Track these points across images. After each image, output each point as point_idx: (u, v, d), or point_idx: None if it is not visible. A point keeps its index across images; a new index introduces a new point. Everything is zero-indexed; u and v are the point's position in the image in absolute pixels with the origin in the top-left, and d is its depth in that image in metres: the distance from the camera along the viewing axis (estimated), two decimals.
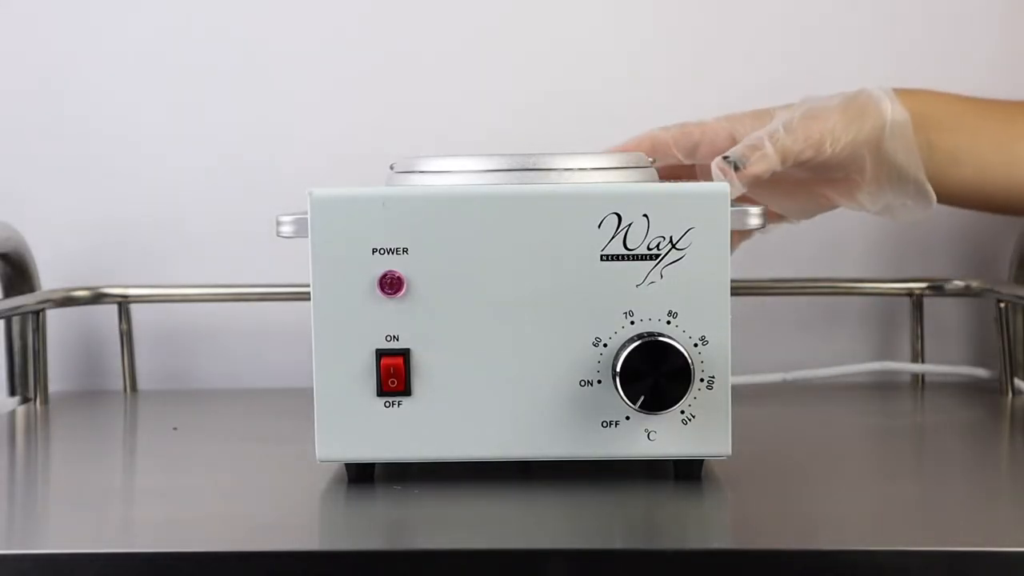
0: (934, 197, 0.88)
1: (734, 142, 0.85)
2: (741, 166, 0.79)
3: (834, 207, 0.90)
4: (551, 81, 1.08)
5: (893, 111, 0.86)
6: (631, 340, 0.70)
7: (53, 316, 1.08)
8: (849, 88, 0.88)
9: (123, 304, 1.08)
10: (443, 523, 0.67)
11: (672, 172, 0.89)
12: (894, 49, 1.08)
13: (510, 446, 0.71)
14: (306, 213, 0.71)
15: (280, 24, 1.09)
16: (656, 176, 0.77)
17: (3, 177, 1.10)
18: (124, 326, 1.08)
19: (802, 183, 0.88)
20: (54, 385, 1.08)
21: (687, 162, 0.88)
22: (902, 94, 0.88)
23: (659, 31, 1.09)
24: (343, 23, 1.09)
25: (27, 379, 1.05)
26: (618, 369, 0.69)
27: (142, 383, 1.10)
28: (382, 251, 0.70)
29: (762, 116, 0.87)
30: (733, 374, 0.71)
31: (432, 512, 0.69)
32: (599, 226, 0.70)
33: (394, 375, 0.70)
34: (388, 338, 0.71)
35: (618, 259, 0.70)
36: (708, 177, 0.82)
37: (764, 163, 0.81)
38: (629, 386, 0.69)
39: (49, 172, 1.10)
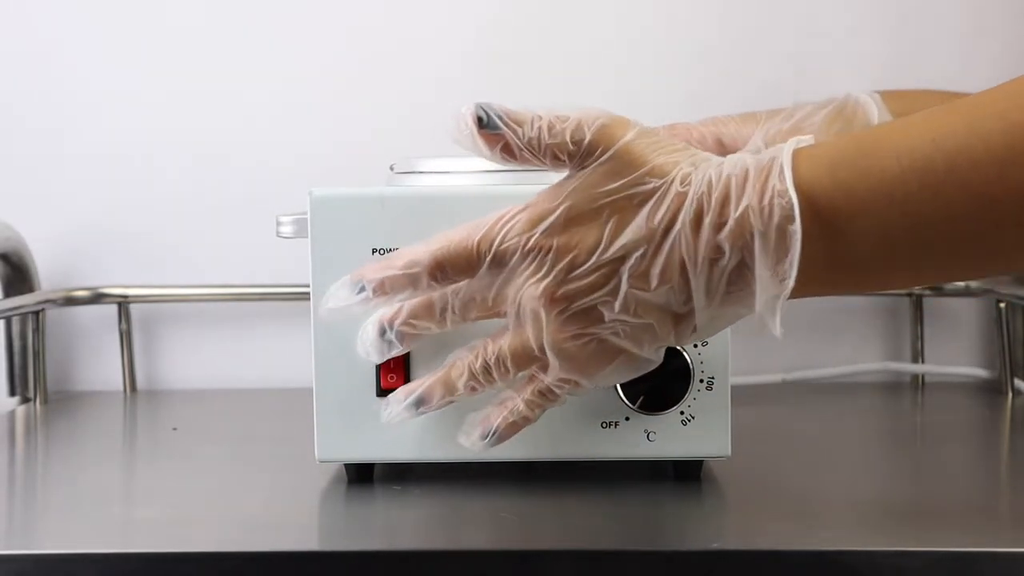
0: None
1: (720, 145, 0.86)
2: None
3: None
4: (551, 81, 1.08)
5: (880, 118, 0.86)
6: None
7: (53, 316, 1.08)
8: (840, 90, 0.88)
9: (123, 304, 1.08)
10: (443, 523, 0.67)
11: None
12: (894, 46, 1.08)
13: (509, 447, 0.71)
14: (306, 213, 0.71)
15: (280, 23, 1.09)
16: None
17: (2, 178, 1.10)
18: (124, 326, 1.08)
19: None
20: (54, 385, 1.08)
21: None
22: (892, 96, 0.88)
23: (657, 33, 1.09)
24: (343, 22, 1.09)
25: (27, 379, 1.05)
26: None
27: (141, 383, 1.10)
28: (382, 251, 0.70)
29: (749, 119, 0.87)
30: (734, 375, 0.71)
31: (432, 512, 0.69)
32: None
33: (394, 375, 0.70)
34: None
35: None
36: None
37: None
38: (629, 387, 0.69)
39: (47, 172, 1.09)
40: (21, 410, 1.02)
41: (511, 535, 0.65)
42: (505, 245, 0.63)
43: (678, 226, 0.61)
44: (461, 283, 0.65)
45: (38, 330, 1.04)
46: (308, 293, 0.70)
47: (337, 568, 0.62)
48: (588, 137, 0.62)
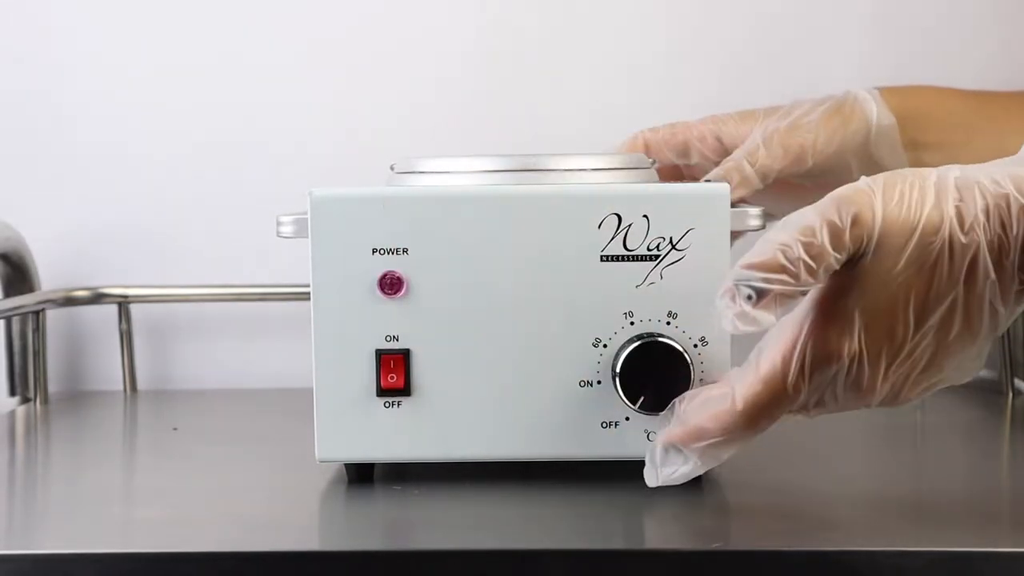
0: None
1: (720, 143, 0.86)
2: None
3: None
4: (551, 81, 1.08)
5: (879, 115, 0.86)
6: (631, 341, 0.70)
7: (53, 316, 1.08)
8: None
9: (123, 304, 1.08)
10: (443, 523, 0.67)
11: (670, 172, 0.89)
12: (894, 40, 1.07)
13: (510, 446, 0.71)
14: (306, 213, 0.71)
15: (280, 23, 1.09)
16: (656, 177, 0.77)
17: (2, 178, 1.10)
18: (124, 326, 1.08)
19: (792, 186, 0.89)
20: (54, 385, 1.08)
21: (680, 162, 0.89)
22: (892, 93, 0.88)
23: (659, 32, 1.09)
24: (342, 22, 1.09)
25: (27, 379, 1.05)
26: (618, 370, 0.69)
27: (141, 383, 1.10)
28: (382, 251, 0.70)
29: (747, 117, 0.87)
30: None
31: (432, 512, 0.69)
32: (599, 227, 0.70)
33: (394, 375, 0.71)
34: (388, 338, 0.71)
35: (618, 260, 0.70)
36: (699, 177, 0.82)
37: (744, 187, 0.83)
38: (629, 387, 0.69)
39: (47, 172, 1.09)
40: (21, 410, 1.02)
41: (511, 535, 0.65)
42: (820, 373, 0.62)
43: (981, 277, 0.60)
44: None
45: (38, 330, 1.04)
46: (308, 293, 0.71)
47: (337, 568, 0.62)
48: (848, 237, 0.60)
